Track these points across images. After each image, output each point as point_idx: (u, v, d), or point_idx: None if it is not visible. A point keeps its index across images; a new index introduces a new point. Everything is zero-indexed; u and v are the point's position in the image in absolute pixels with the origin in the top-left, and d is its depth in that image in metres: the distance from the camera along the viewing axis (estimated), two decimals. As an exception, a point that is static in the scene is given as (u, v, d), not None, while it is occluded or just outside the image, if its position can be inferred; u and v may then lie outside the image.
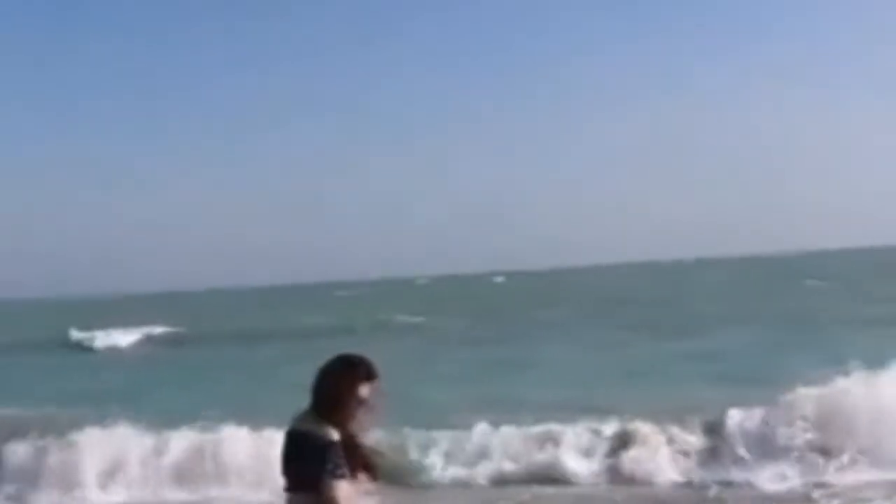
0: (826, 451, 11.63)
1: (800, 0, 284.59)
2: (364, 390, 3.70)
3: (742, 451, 11.91)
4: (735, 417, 12.42)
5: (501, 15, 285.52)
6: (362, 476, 3.71)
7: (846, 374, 12.48)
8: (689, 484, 11.48)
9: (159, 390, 21.94)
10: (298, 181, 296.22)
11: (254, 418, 12.74)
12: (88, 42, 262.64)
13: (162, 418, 13.90)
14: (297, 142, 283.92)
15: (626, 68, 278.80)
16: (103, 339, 41.45)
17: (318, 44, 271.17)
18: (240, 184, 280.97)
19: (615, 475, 11.89)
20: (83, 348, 39.86)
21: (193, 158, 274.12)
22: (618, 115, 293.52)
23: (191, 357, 32.53)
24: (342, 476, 3.58)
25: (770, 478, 11.22)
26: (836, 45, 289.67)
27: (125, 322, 45.72)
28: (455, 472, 12.30)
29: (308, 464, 3.59)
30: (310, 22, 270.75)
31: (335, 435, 3.63)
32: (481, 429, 12.83)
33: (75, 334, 43.08)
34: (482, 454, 12.49)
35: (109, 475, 12.86)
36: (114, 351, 38.78)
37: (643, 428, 12.61)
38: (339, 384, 3.69)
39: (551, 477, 11.98)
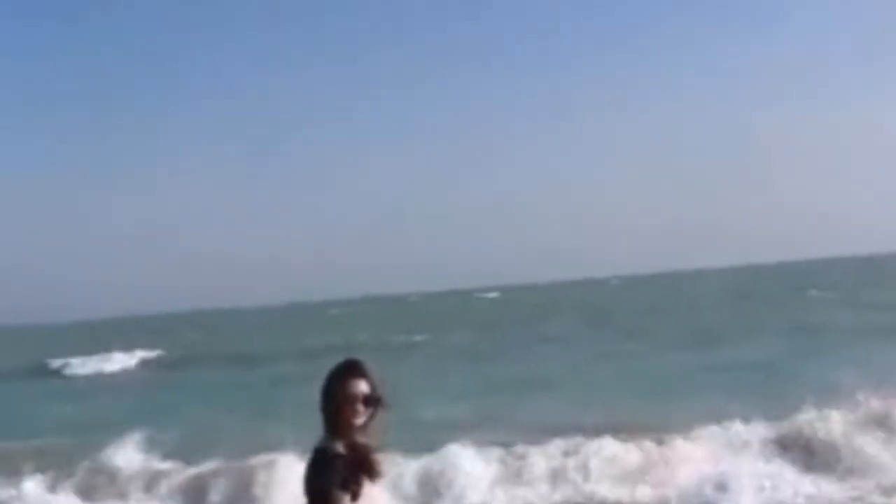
0: (846, 468, 11.44)
1: (799, 0, 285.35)
2: (358, 386, 3.70)
3: (756, 468, 11.49)
4: (747, 433, 12.31)
5: (501, 16, 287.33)
6: (369, 481, 3.69)
7: (859, 388, 12.48)
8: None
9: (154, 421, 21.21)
10: (294, 188, 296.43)
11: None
12: (87, 45, 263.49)
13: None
14: (295, 148, 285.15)
15: (626, 69, 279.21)
16: (88, 365, 40.94)
17: (317, 48, 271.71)
18: (236, 189, 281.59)
19: (622, 496, 11.61)
20: (63, 377, 39.35)
21: (191, 162, 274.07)
22: (617, 118, 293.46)
23: (193, 381, 31.99)
24: (349, 489, 3.60)
25: (784, 495, 10.88)
26: (837, 45, 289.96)
27: (113, 347, 45.30)
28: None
29: (319, 480, 3.63)
30: (309, 26, 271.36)
31: (341, 448, 3.66)
32: (495, 452, 12.84)
33: (55, 362, 42.54)
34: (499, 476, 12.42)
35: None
36: (100, 377, 38.22)
37: (646, 446, 12.46)
38: (332, 385, 3.72)
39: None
